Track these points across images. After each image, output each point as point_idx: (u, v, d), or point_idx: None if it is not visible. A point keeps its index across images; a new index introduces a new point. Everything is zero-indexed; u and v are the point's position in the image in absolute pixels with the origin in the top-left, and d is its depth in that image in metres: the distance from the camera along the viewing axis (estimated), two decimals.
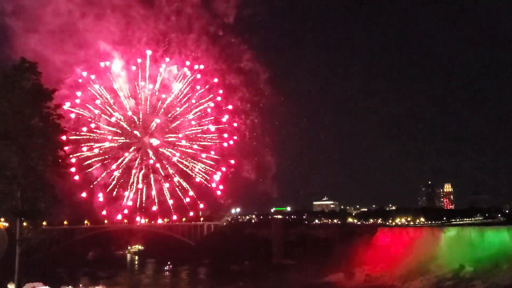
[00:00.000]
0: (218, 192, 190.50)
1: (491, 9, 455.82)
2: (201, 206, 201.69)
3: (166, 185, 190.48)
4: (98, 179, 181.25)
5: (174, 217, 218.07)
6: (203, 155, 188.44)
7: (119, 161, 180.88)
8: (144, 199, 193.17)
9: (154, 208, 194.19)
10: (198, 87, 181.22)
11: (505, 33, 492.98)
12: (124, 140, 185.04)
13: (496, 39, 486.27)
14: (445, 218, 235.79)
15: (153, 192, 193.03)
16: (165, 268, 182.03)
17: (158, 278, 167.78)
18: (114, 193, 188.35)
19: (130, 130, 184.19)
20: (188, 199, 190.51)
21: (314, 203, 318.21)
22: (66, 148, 52.18)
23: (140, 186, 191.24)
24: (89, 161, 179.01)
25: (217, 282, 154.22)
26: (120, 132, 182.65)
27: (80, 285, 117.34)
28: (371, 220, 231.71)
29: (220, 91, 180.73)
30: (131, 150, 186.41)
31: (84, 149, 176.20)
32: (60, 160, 50.22)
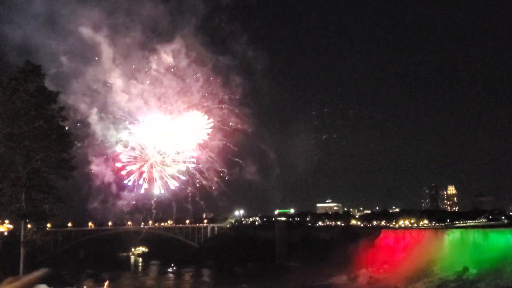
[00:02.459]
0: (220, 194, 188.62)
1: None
2: (205, 208, 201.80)
3: (170, 186, 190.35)
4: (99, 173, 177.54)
5: (178, 219, 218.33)
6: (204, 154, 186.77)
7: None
8: (147, 200, 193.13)
9: (158, 210, 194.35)
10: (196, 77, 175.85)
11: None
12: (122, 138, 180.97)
13: (494, 44, 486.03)
14: (448, 220, 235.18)
15: (157, 194, 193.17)
16: (169, 270, 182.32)
17: (162, 280, 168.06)
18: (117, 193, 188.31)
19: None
20: (191, 201, 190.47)
21: (318, 205, 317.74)
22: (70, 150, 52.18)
23: (143, 186, 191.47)
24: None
25: (220, 284, 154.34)
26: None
27: (84, 287, 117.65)
28: (375, 222, 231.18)
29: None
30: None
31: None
32: (64, 162, 50.38)
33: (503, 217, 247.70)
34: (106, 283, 51.90)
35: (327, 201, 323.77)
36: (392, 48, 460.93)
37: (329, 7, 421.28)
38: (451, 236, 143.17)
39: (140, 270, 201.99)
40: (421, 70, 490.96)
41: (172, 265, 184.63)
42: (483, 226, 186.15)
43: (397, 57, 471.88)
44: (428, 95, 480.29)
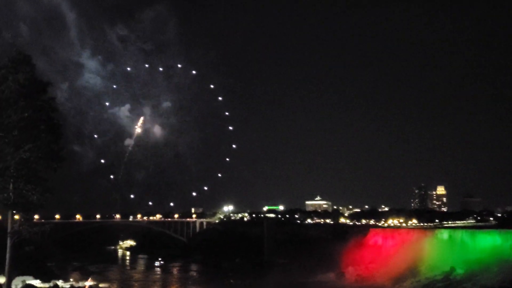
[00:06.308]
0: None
1: None
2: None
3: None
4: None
5: (167, 214, 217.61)
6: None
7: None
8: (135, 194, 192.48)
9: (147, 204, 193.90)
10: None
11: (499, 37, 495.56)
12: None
13: (491, 43, 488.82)
14: (437, 220, 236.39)
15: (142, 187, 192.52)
16: (156, 264, 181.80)
17: (149, 274, 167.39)
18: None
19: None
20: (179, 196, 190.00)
21: (307, 202, 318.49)
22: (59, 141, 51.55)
23: (132, 180, 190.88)
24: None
25: (208, 279, 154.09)
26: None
27: (71, 280, 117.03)
28: (364, 221, 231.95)
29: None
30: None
31: None
32: (53, 153, 49.86)
33: (491, 218, 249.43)
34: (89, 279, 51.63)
35: (316, 198, 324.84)
36: (386, 51, 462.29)
37: None
38: (439, 236, 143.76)
39: (127, 263, 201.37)
40: (412, 71, 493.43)
41: (160, 259, 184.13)
42: (471, 227, 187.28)
43: (390, 58, 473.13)
44: (419, 95, 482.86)
